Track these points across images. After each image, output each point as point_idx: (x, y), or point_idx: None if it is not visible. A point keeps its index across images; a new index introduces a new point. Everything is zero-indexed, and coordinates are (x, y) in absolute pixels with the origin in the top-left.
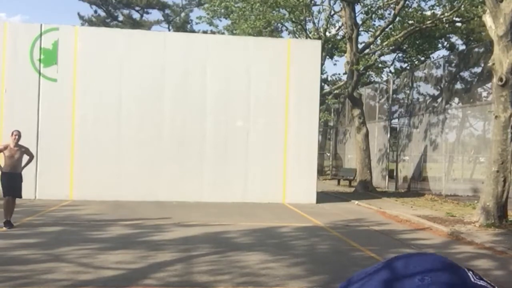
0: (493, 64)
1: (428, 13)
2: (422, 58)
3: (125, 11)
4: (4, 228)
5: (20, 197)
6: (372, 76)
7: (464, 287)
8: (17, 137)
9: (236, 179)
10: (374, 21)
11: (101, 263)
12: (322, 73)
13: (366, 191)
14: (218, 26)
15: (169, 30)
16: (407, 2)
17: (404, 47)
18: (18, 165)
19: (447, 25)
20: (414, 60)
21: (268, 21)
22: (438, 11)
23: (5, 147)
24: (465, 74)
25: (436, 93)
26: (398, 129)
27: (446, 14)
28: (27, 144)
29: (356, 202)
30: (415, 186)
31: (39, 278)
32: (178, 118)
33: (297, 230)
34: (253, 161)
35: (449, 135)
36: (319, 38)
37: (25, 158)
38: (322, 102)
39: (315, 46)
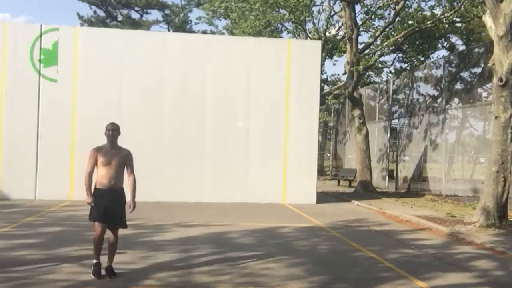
0: (493, 64)
1: (428, 13)
2: (422, 59)
3: (124, 11)
4: (93, 277)
5: (125, 226)
6: (372, 77)
7: None
8: (111, 132)
9: (236, 179)
10: (374, 21)
11: (101, 264)
12: (322, 73)
13: (366, 191)
14: (218, 26)
15: (168, 30)
16: (407, 2)
17: (404, 48)
18: (119, 177)
19: (447, 25)
20: (414, 61)
21: (268, 21)
22: (438, 11)
23: (99, 150)
24: (465, 74)
25: (436, 93)
26: (398, 130)
27: (446, 14)
28: (28, 145)
29: (356, 202)
30: (415, 187)
31: (39, 278)
32: (178, 118)
33: (297, 230)
34: (253, 161)
35: (449, 135)
36: (319, 38)
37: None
38: (322, 102)
39: (315, 46)
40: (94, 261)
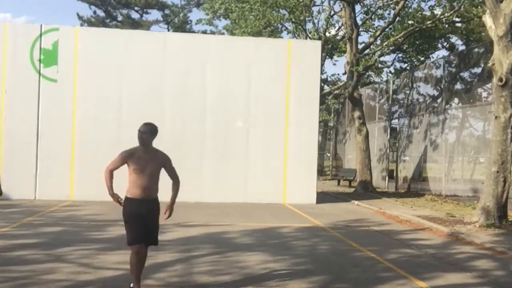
0: (493, 64)
1: (428, 13)
2: (422, 58)
3: (124, 11)
4: None
5: (156, 242)
6: (372, 77)
7: None
8: (141, 134)
9: (236, 179)
10: (374, 21)
11: (101, 264)
12: (322, 73)
13: (366, 191)
14: (217, 26)
15: (168, 30)
16: (407, 2)
17: (404, 47)
18: (154, 186)
19: (447, 25)
20: (414, 61)
21: (268, 21)
22: (438, 11)
23: (130, 154)
24: (465, 74)
25: (436, 93)
26: (398, 130)
27: (446, 14)
28: (28, 145)
29: (356, 202)
30: (415, 187)
31: (40, 278)
32: (178, 118)
33: (297, 230)
34: (253, 161)
35: (449, 135)
36: (319, 38)
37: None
38: (322, 102)
39: (315, 46)
40: (131, 285)
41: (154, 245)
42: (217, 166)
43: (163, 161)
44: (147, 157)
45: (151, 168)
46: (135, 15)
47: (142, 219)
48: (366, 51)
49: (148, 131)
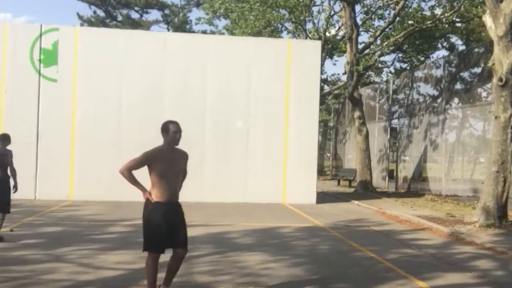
0: (493, 64)
1: (428, 13)
2: (422, 58)
3: (124, 11)
4: None
5: (185, 248)
6: (372, 77)
7: None
8: (178, 135)
9: (236, 179)
10: (374, 21)
11: (101, 264)
12: (322, 73)
13: (366, 191)
14: (217, 26)
15: (168, 30)
16: (407, 2)
17: (404, 48)
18: (178, 187)
19: (447, 25)
20: (414, 61)
21: (268, 21)
22: (438, 11)
23: (155, 156)
24: (465, 74)
25: (436, 93)
26: (398, 130)
27: (446, 14)
28: (28, 145)
29: (356, 202)
30: (415, 187)
31: (40, 278)
32: (178, 118)
33: (297, 230)
34: (253, 161)
35: (449, 135)
36: (319, 38)
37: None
38: (322, 102)
39: (315, 46)
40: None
41: (183, 249)
42: (217, 166)
43: (186, 158)
44: (171, 157)
45: (177, 168)
46: (135, 15)
47: (169, 222)
48: (366, 51)
49: (181, 130)
